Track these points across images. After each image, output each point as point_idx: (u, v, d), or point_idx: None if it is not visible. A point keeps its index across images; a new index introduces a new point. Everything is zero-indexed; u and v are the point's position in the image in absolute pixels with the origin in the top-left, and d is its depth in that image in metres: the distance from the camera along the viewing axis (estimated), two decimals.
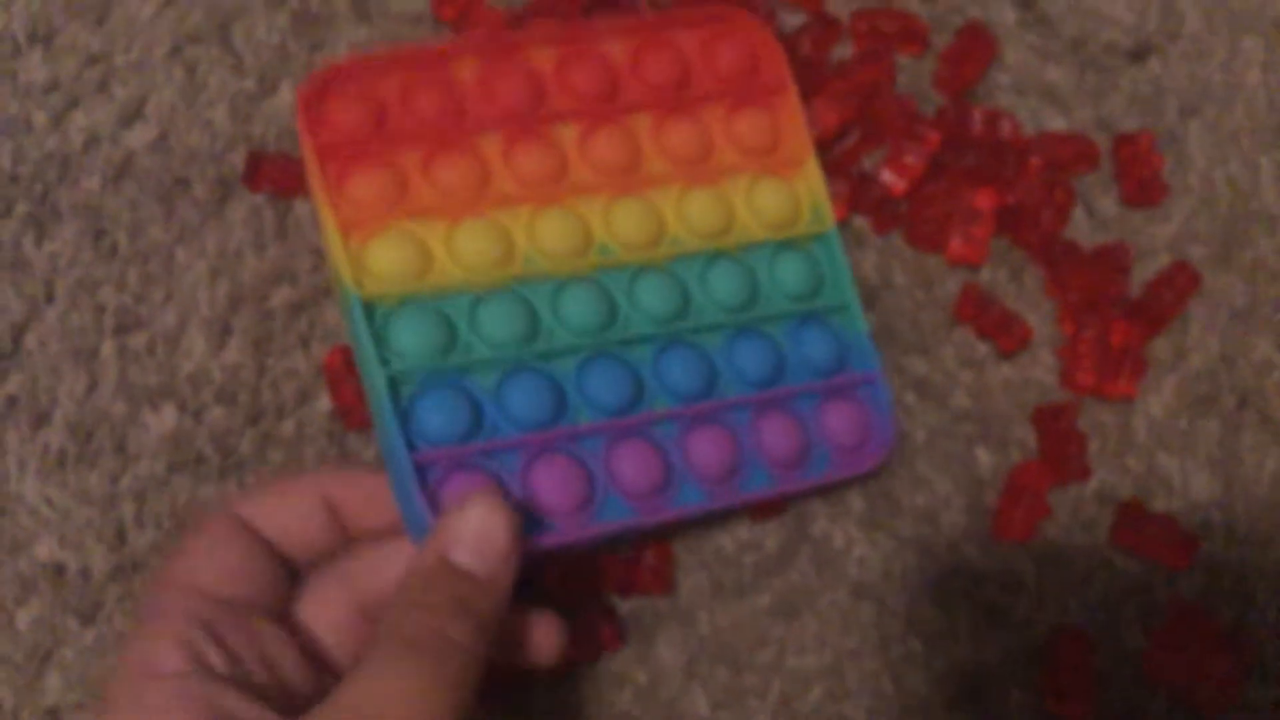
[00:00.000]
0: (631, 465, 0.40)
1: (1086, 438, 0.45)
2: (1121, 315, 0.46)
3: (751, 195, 0.45)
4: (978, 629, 0.44)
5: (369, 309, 0.39)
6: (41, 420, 0.44)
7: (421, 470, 0.37)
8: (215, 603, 0.33)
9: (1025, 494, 0.44)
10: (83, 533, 0.43)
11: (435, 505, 0.37)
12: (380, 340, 0.39)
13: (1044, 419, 0.45)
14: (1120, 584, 0.45)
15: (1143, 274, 0.47)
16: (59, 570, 0.43)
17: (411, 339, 0.39)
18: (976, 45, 0.48)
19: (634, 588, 0.44)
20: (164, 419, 0.44)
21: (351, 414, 0.44)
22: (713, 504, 0.41)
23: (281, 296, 0.45)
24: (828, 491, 0.45)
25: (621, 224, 0.43)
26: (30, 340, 0.44)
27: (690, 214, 0.44)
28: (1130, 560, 0.45)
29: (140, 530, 0.44)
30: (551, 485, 0.39)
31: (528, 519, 0.38)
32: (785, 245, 0.44)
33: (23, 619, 0.43)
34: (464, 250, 0.41)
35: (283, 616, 0.36)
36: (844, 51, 0.49)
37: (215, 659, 0.32)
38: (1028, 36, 0.50)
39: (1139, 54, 0.50)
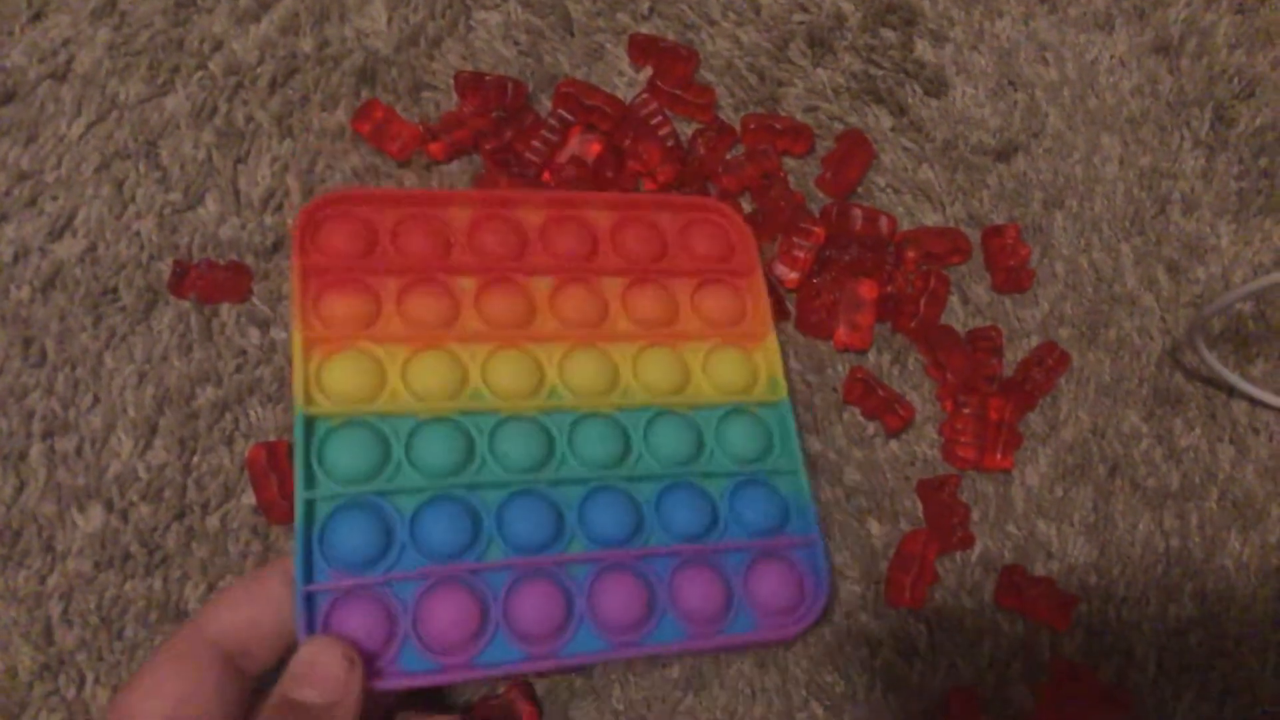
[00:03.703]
0: (532, 605, 0.40)
1: (969, 508, 0.48)
2: (997, 393, 0.49)
3: (709, 361, 0.47)
4: (876, 693, 0.46)
5: (310, 424, 0.41)
6: None
7: (312, 598, 0.39)
8: None
9: (914, 562, 0.47)
10: (9, 632, 0.44)
11: (325, 628, 0.39)
12: (317, 454, 0.41)
13: (928, 491, 0.48)
14: (1006, 644, 0.47)
15: (1015, 354, 0.51)
16: None
17: (344, 459, 0.41)
18: (857, 150, 0.52)
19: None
20: (91, 518, 0.45)
21: (274, 508, 0.45)
22: (613, 654, 0.41)
23: (206, 397, 0.47)
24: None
25: (576, 372, 0.45)
26: None
27: (646, 370, 0.46)
28: (1015, 622, 0.47)
29: (67, 628, 0.44)
30: (442, 618, 0.40)
31: (412, 652, 0.40)
32: (737, 410, 0.46)
33: None
34: (418, 377, 0.43)
35: None
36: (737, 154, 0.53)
37: None
38: (902, 140, 0.54)
39: (1005, 153, 0.54)
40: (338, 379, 0.42)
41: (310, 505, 0.40)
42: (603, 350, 0.45)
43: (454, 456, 0.42)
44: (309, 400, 0.42)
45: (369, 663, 0.39)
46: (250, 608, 0.38)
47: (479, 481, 0.42)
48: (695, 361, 0.47)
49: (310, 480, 0.41)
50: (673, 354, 0.46)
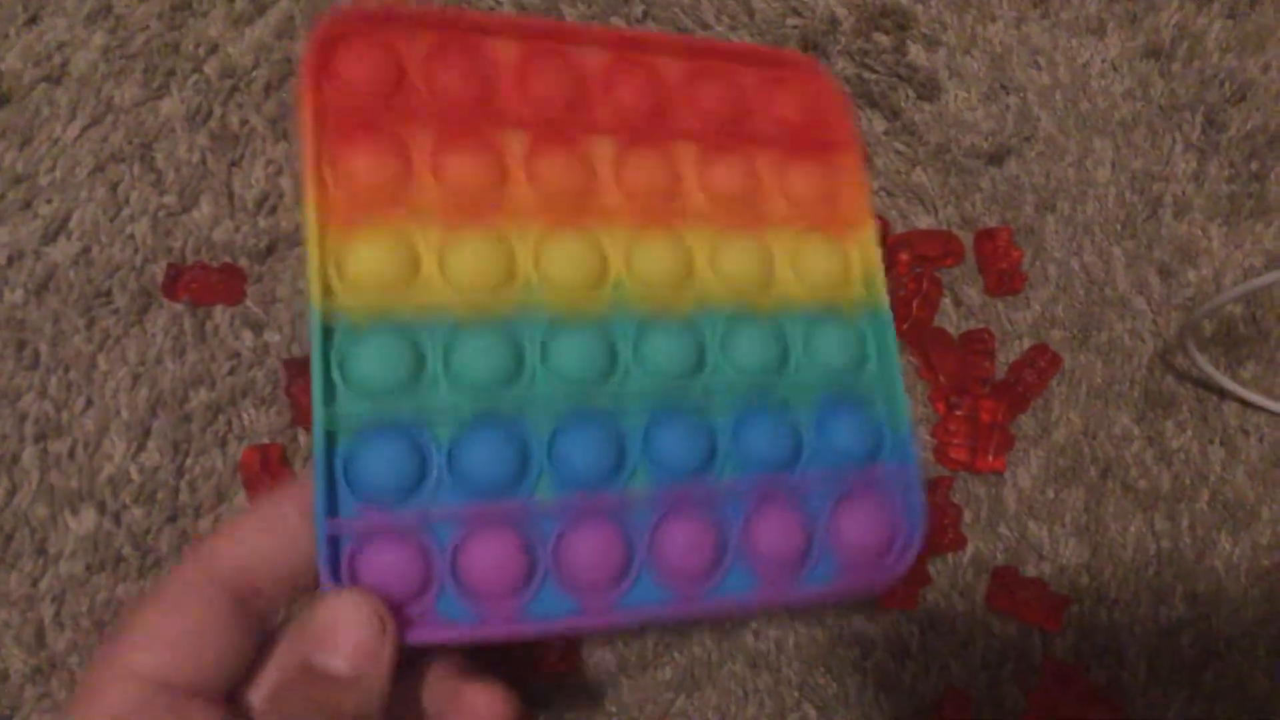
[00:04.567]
0: (587, 550, 0.34)
1: (961, 509, 0.48)
2: (989, 395, 0.50)
3: (798, 251, 0.39)
4: (868, 694, 0.46)
5: (329, 326, 0.33)
6: None
7: (336, 539, 0.33)
8: (150, 691, 0.30)
9: None
10: (1, 634, 0.44)
11: (351, 574, 0.32)
12: (336, 366, 0.33)
13: None
14: (998, 646, 0.47)
15: (1007, 357, 0.51)
16: None
17: (369, 369, 0.33)
18: None
19: (541, 668, 0.45)
20: (84, 521, 0.45)
21: None
22: (676, 609, 0.36)
23: (200, 399, 0.47)
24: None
25: (644, 260, 0.37)
26: None
27: (724, 261, 0.38)
28: (1007, 623, 0.48)
29: (59, 631, 0.44)
30: (484, 563, 0.33)
31: (450, 601, 0.33)
32: (828, 313, 0.39)
33: None
34: (458, 265, 0.35)
35: (234, 696, 0.32)
36: None
37: None
38: (895, 144, 0.54)
39: (997, 156, 0.54)
40: (363, 261, 0.34)
41: (332, 429, 0.33)
42: (676, 233, 0.38)
43: (501, 368, 0.35)
44: (328, 292, 0.33)
45: (399, 612, 0.32)
46: (262, 541, 0.32)
47: (530, 398, 0.35)
48: (781, 251, 0.39)
49: (329, 397, 0.33)
50: (756, 240, 0.39)
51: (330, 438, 0.33)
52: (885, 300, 0.39)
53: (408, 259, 0.34)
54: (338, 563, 0.32)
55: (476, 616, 0.33)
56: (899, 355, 0.39)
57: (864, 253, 0.40)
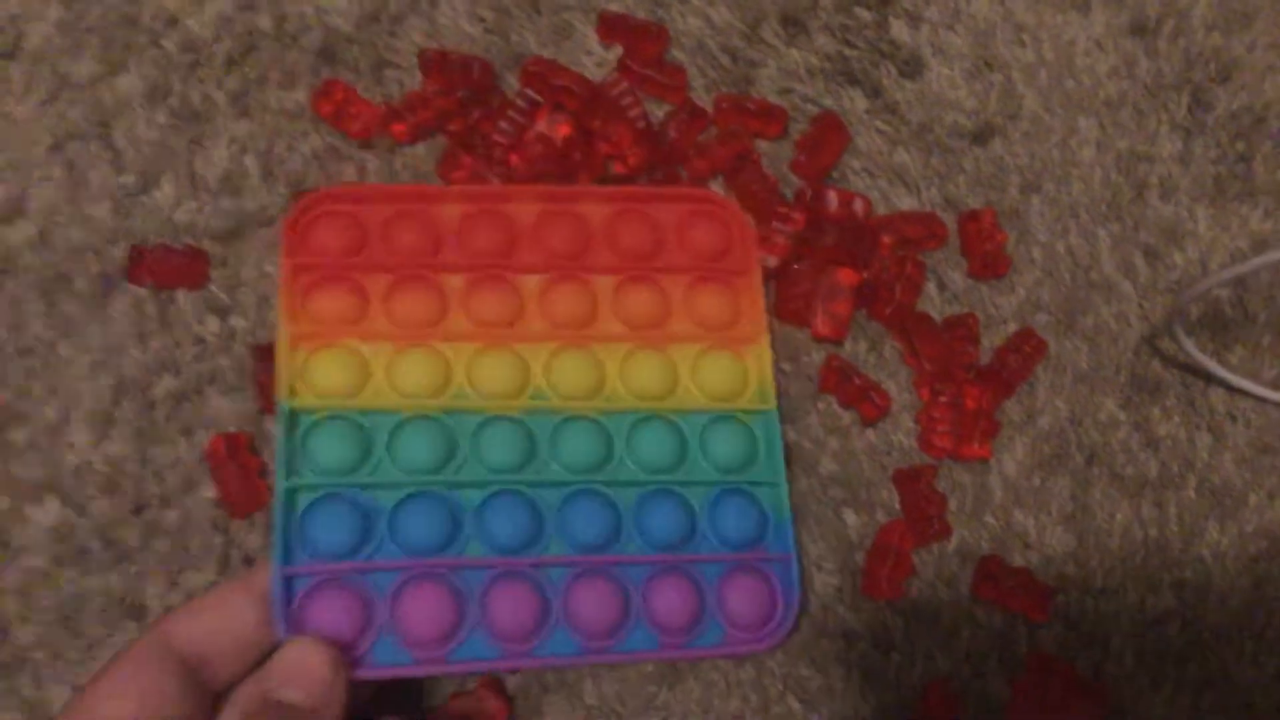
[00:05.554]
0: (509, 605, 0.41)
1: (946, 497, 0.48)
2: (974, 381, 0.49)
3: (699, 365, 0.46)
4: (853, 686, 0.46)
5: (293, 419, 0.42)
6: None
7: (290, 581, 0.40)
8: None
9: (891, 553, 0.46)
10: None
11: (302, 617, 0.39)
12: (299, 449, 0.42)
13: (905, 481, 0.48)
14: (983, 636, 0.47)
15: (992, 341, 0.50)
16: None
17: (327, 453, 0.42)
18: (831, 133, 0.51)
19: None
20: (47, 512, 0.44)
21: (235, 501, 0.44)
22: (584, 658, 0.42)
23: (164, 386, 0.46)
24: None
25: (561, 373, 0.45)
26: None
27: (633, 374, 0.45)
28: (992, 613, 0.47)
29: (24, 625, 0.43)
30: (418, 612, 0.40)
31: (387, 645, 0.40)
32: (723, 417, 0.46)
33: None
34: (403, 376, 0.43)
35: None
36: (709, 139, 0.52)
37: None
38: (877, 123, 0.53)
39: (981, 136, 0.53)
40: (323, 375, 0.43)
41: (291, 494, 0.41)
42: (590, 352, 0.45)
43: (436, 454, 0.43)
44: (293, 394, 0.42)
45: (344, 653, 0.39)
46: (213, 618, 0.38)
47: (460, 480, 0.43)
48: (685, 365, 0.46)
49: (291, 470, 0.41)
50: (662, 357, 0.46)
51: (290, 504, 0.41)
52: (774, 404, 0.46)
53: (361, 371, 0.43)
54: (290, 605, 0.39)
55: (410, 659, 0.40)
56: (783, 454, 0.46)
57: (759, 363, 0.47)
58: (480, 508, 0.43)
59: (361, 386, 0.43)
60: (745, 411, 0.46)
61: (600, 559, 0.43)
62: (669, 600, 0.42)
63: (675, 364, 0.46)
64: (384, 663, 0.40)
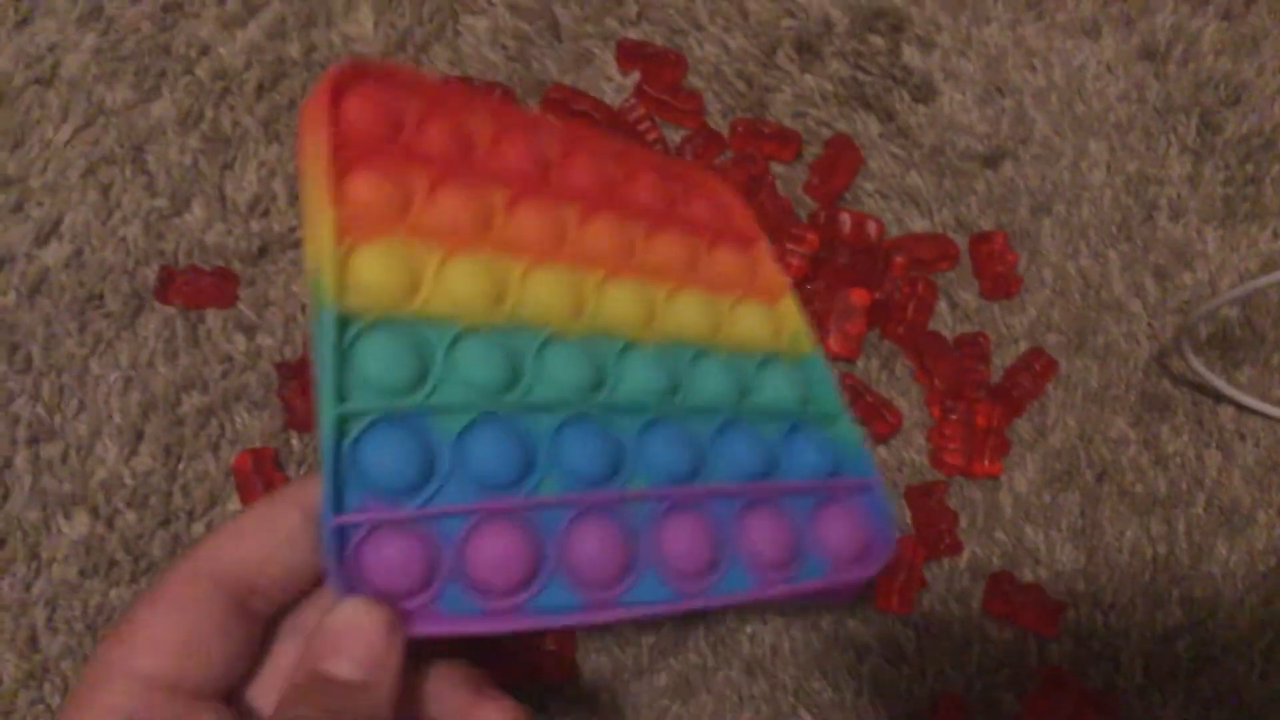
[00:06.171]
0: (592, 546, 0.35)
1: (957, 514, 0.48)
2: (985, 399, 0.49)
3: (736, 311, 0.44)
4: (864, 699, 0.46)
5: (342, 323, 0.34)
6: None
7: (344, 529, 0.32)
8: (151, 690, 0.30)
9: (902, 568, 0.47)
10: None
11: (356, 566, 0.32)
12: (345, 362, 0.34)
13: (916, 497, 0.48)
14: (994, 651, 0.47)
15: (1003, 360, 0.51)
16: None
17: (379, 365, 0.34)
18: (844, 156, 0.52)
19: (538, 675, 0.45)
20: (76, 525, 0.45)
21: None
22: (678, 603, 0.37)
23: (192, 403, 0.47)
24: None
25: (615, 300, 0.40)
26: None
27: (680, 310, 0.42)
28: (1003, 628, 0.47)
29: (52, 636, 0.44)
30: (490, 558, 0.34)
31: (455, 596, 0.33)
32: (770, 358, 0.44)
33: None
34: (456, 282, 0.37)
35: (234, 695, 0.32)
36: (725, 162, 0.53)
37: None
38: (890, 146, 0.54)
39: (993, 159, 0.54)
40: (373, 269, 0.35)
41: (342, 420, 0.33)
42: (639, 283, 0.41)
43: (503, 372, 0.36)
44: (340, 294, 0.34)
45: (403, 605, 0.32)
46: (260, 541, 0.32)
47: (530, 402, 0.37)
48: (724, 309, 0.44)
49: (341, 391, 0.33)
50: (705, 298, 0.43)
51: (340, 431, 0.33)
52: (813, 347, 0.44)
53: (411, 272, 0.36)
54: (343, 555, 0.32)
55: (480, 610, 0.33)
56: (837, 390, 0.44)
57: (790, 314, 0.45)
58: (555, 435, 0.37)
59: (414, 290, 0.36)
60: (785, 354, 0.44)
61: (689, 490, 0.38)
62: (765, 533, 0.38)
63: (717, 305, 0.43)
64: (451, 613, 0.33)
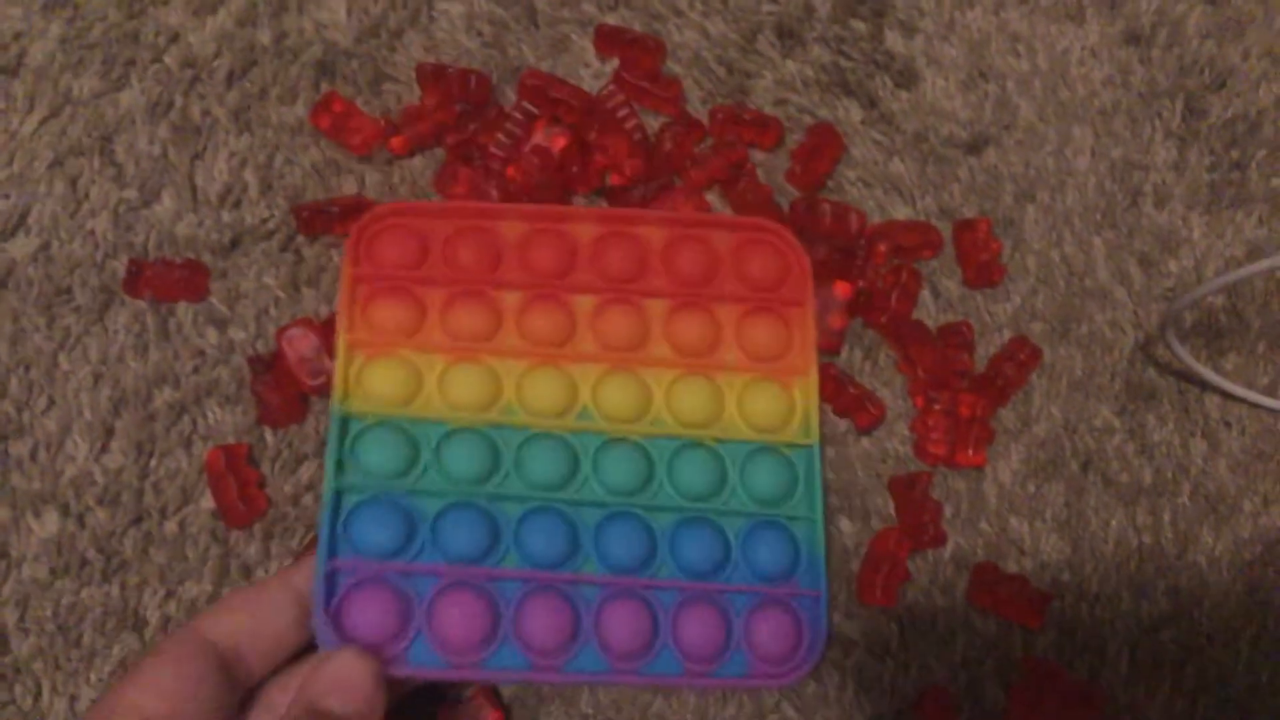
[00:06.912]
0: (542, 619, 0.41)
1: (941, 505, 0.48)
2: (968, 389, 0.49)
3: (745, 395, 0.46)
4: (848, 693, 0.46)
5: (345, 422, 0.43)
6: None
7: (333, 577, 0.41)
8: None
9: (886, 560, 0.46)
10: None
11: (342, 612, 0.40)
12: (348, 452, 0.43)
13: (900, 489, 0.48)
14: (979, 643, 0.47)
15: (987, 350, 0.50)
16: None
17: (375, 457, 0.43)
18: (826, 143, 0.52)
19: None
20: (46, 524, 0.45)
21: (233, 512, 0.45)
22: (611, 678, 0.42)
23: (163, 398, 0.46)
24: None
25: (608, 395, 0.45)
26: None
27: (679, 400, 0.46)
28: (988, 620, 0.47)
29: (24, 636, 0.44)
30: (454, 618, 0.41)
31: (423, 647, 0.41)
32: (765, 449, 0.46)
33: None
34: (454, 388, 0.44)
35: None
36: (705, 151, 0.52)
37: None
38: (872, 133, 0.53)
39: (976, 146, 0.53)
40: (376, 382, 0.44)
41: (339, 494, 0.42)
42: (638, 375, 0.46)
43: (480, 466, 0.43)
44: (346, 398, 0.44)
45: (379, 651, 0.40)
46: (250, 615, 0.38)
47: (502, 493, 0.44)
48: (731, 394, 0.46)
49: (340, 472, 0.43)
50: (708, 384, 0.46)
51: (337, 504, 0.42)
52: (817, 439, 0.46)
53: (413, 381, 0.45)
54: (331, 599, 0.40)
55: (444, 663, 0.41)
56: (821, 491, 0.45)
57: (805, 395, 0.46)
58: (520, 522, 0.43)
59: (413, 396, 0.44)
60: (788, 445, 0.46)
61: (633, 581, 0.43)
62: (697, 628, 0.42)
63: (722, 391, 0.46)
64: (418, 664, 0.41)
